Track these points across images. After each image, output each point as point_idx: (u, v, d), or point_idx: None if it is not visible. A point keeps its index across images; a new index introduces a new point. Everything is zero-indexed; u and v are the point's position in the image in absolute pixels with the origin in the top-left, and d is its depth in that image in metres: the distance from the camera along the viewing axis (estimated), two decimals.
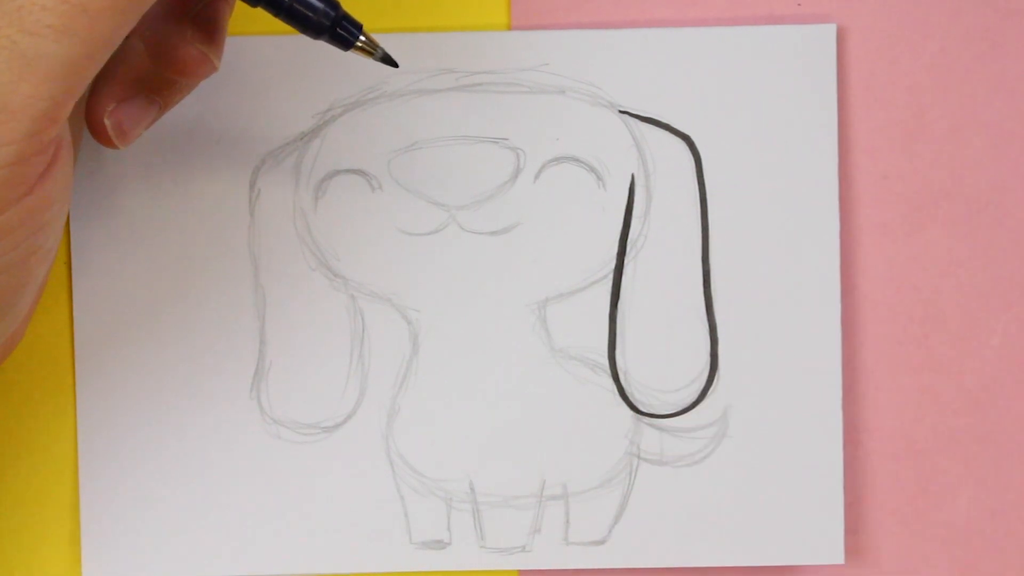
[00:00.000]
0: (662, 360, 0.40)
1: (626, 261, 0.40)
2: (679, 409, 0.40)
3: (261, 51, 0.39)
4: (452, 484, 0.40)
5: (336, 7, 0.33)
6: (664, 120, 0.39)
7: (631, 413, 0.40)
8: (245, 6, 0.34)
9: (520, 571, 0.40)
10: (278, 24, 0.33)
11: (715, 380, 0.40)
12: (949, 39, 0.40)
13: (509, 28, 0.39)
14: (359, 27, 0.33)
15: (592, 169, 0.39)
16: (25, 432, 0.39)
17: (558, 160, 0.39)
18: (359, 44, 0.33)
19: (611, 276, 0.40)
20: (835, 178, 0.39)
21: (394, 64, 0.35)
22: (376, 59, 0.34)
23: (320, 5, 0.32)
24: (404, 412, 0.40)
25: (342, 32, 0.33)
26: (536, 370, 0.40)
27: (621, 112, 0.39)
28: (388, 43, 0.38)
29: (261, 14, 0.33)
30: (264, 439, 0.39)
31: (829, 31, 0.39)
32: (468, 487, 0.40)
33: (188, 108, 0.39)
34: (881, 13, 0.40)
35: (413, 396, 0.40)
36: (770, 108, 0.39)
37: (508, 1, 0.39)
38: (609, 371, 0.40)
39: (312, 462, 0.39)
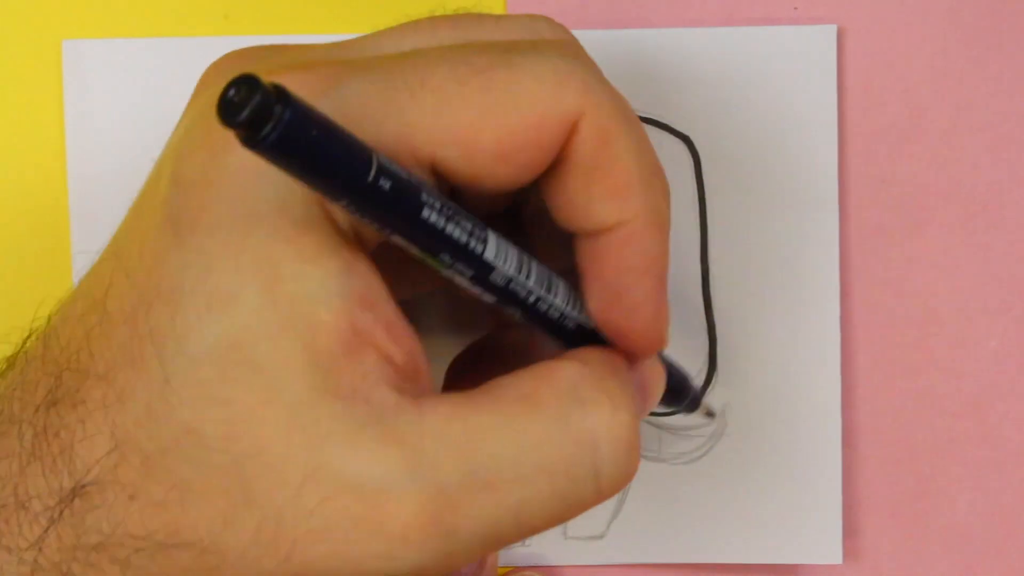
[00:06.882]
0: None
1: None
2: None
3: None
4: None
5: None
6: (664, 120, 0.39)
7: None
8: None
9: (519, 566, 0.40)
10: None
11: (713, 379, 0.40)
12: (948, 41, 0.40)
13: None
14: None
15: None
16: None
17: None
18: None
19: None
20: (835, 179, 0.39)
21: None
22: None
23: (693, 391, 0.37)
24: None
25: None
26: None
27: None
28: None
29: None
30: None
31: (829, 32, 0.39)
32: None
33: None
34: (879, 15, 0.40)
35: None
36: (770, 109, 0.39)
37: (504, 2, 0.39)
38: None
39: None
